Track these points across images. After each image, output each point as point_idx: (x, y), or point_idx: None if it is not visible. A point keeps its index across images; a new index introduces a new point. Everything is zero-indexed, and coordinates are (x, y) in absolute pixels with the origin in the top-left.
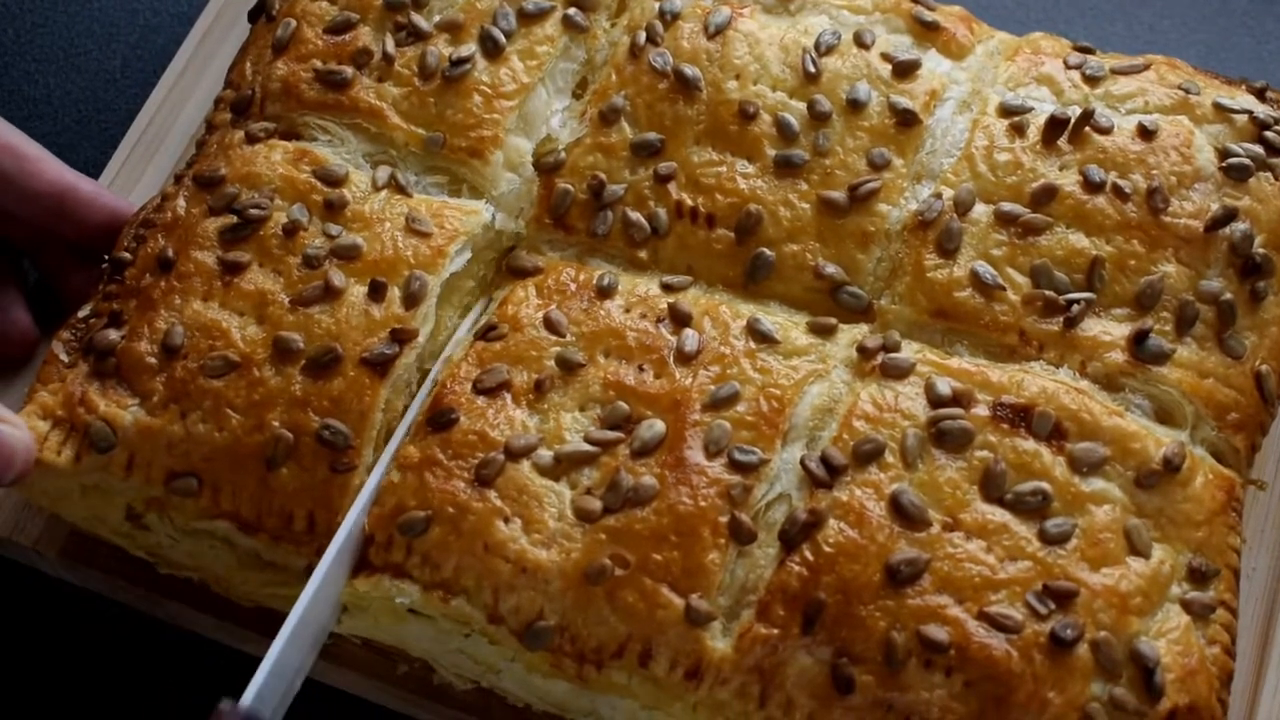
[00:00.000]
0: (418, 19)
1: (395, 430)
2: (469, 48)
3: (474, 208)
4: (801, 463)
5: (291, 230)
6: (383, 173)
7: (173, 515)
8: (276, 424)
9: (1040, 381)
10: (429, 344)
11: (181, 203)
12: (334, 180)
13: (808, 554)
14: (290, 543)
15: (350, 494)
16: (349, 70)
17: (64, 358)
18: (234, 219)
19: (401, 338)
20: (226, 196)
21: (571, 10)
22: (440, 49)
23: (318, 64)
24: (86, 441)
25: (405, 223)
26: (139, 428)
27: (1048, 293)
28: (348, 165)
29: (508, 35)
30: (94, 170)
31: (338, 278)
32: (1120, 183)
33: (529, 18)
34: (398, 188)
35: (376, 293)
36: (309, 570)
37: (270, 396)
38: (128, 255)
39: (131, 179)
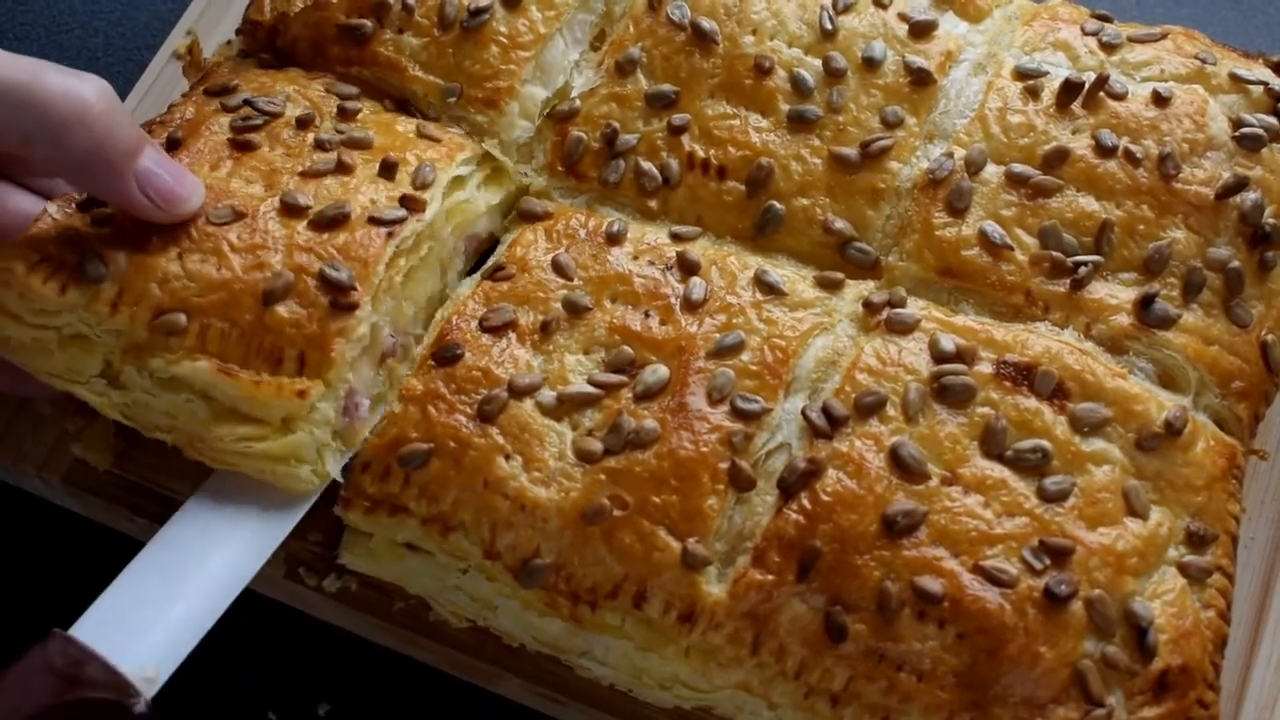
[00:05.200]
0: None
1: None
2: None
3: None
4: (803, 413)
5: (305, 122)
6: (390, 103)
7: (152, 364)
8: (278, 264)
9: (1044, 341)
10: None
11: (190, 109)
12: (346, 95)
13: (806, 502)
14: (273, 381)
15: (347, 333)
16: (369, 23)
17: (57, 215)
18: (248, 110)
19: (411, 205)
20: (240, 97)
21: None
22: None
23: (340, 17)
24: (76, 273)
25: (417, 129)
26: (133, 263)
27: (1055, 254)
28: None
29: None
30: None
31: (348, 157)
32: (1132, 148)
33: None
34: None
35: (387, 171)
36: (286, 422)
37: (273, 242)
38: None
39: None
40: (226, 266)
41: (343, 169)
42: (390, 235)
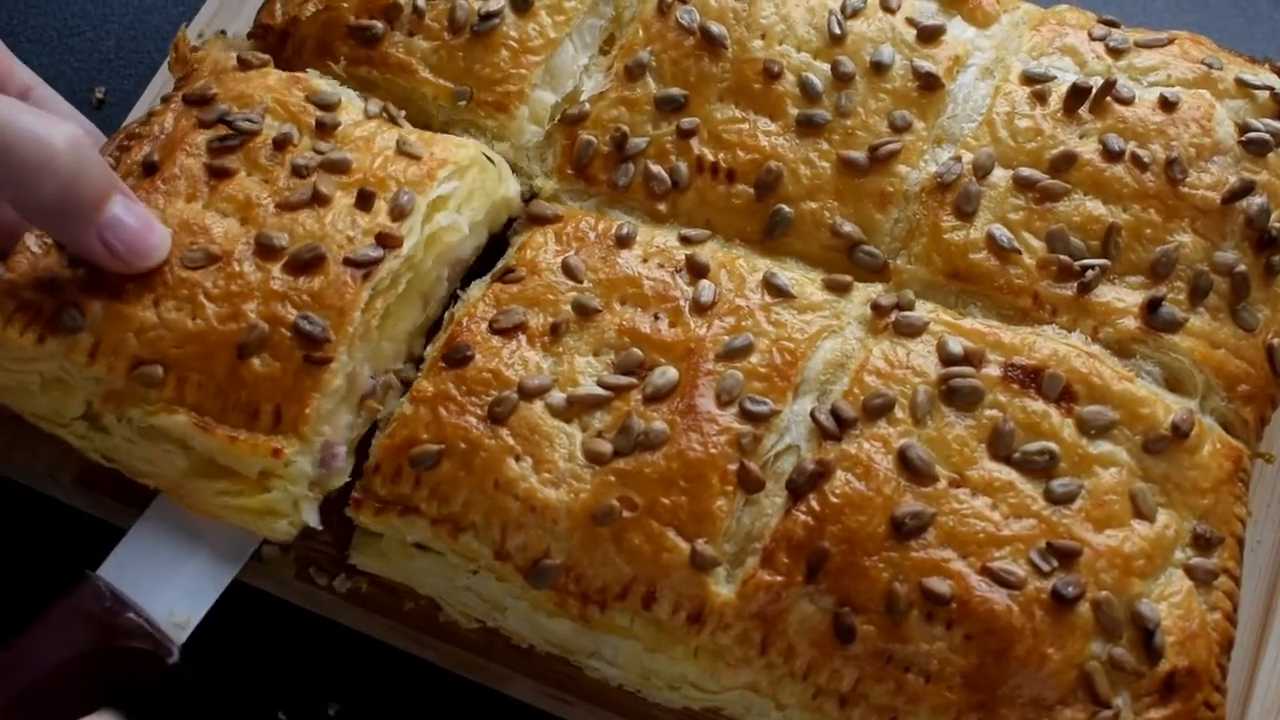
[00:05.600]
0: None
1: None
2: (498, 2)
3: (465, 142)
4: (812, 415)
5: (281, 143)
6: (374, 104)
7: (131, 413)
8: (253, 314)
9: (1052, 344)
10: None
11: (170, 118)
12: (326, 105)
13: (814, 504)
14: (249, 439)
15: (322, 388)
16: (379, 25)
17: (35, 249)
18: (224, 129)
19: (387, 243)
20: (217, 111)
21: None
22: (470, 3)
23: (350, 19)
24: (53, 323)
25: (396, 145)
26: (109, 312)
27: (1063, 258)
28: (340, 94)
29: None
30: None
31: (326, 184)
32: (1139, 152)
33: None
34: (389, 118)
35: (364, 202)
36: (264, 477)
37: (248, 289)
38: (111, 161)
39: None
40: (202, 316)
41: (319, 200)
42: (366, 277)
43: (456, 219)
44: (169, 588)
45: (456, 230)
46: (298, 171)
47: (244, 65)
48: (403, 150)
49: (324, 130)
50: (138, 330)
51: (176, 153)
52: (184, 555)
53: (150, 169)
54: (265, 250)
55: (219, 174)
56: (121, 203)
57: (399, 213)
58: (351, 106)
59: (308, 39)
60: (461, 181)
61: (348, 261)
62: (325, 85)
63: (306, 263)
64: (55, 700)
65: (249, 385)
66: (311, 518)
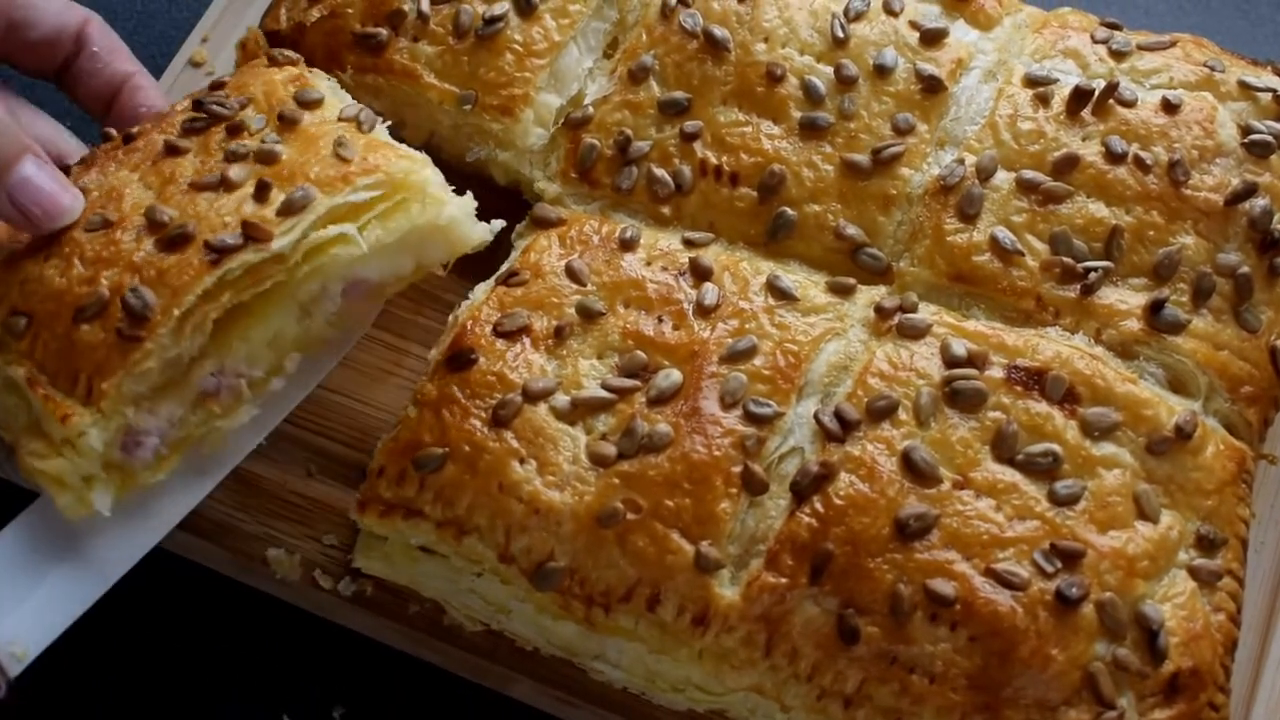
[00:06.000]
0: None
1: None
2: (502, 6)
3: (411, 155)
4: (815, 417)
5: (235, 130)
6: (351, 109)
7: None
8: (105, 282)
9: (1055, 346)
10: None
11: (185, 100)
12: (307, 103)
13: (818, 506)
14: (55, 401)
15: (129, 367)
16: (384, 32)
17: None
18: (196, 113)
19: (253, 234)
20: (213, 98)
21: None
22: (474, 7)
23: (356, 26)
24: None
25: (334, 146)
26: (7, 259)
27: (1066, 260)
28: (331, 95)
29: None
30: None
31: (237, 172)
32: (1142, 154)
33: None
34: (357, 123)
35: (261, 192)
36: (64, 444)
37: (115, 257)
38: (113, 131)
39: None
40: (67, 276)
41: (225, 185)
42: (215, 264)
43: (349, 231)
44: (9, 615)
45: (349, 243)
46: (231, 156)
47: (271, 63)
48: (337, 151)
49: (284, 123)
50: (22, 281)
51: (154, 129)
52: (30, 585)
53: (128, 139)
54: (152, 224)
55: (170, 151)
56: (32, 164)
57: (289, 209)
58: (331, 107)
59: (315, 47)
60: (383, 194)
61: (207, 245)
62: (323, 85)
63: (173, 240)
64: None
65: (77, 350)
66: (100, 501)
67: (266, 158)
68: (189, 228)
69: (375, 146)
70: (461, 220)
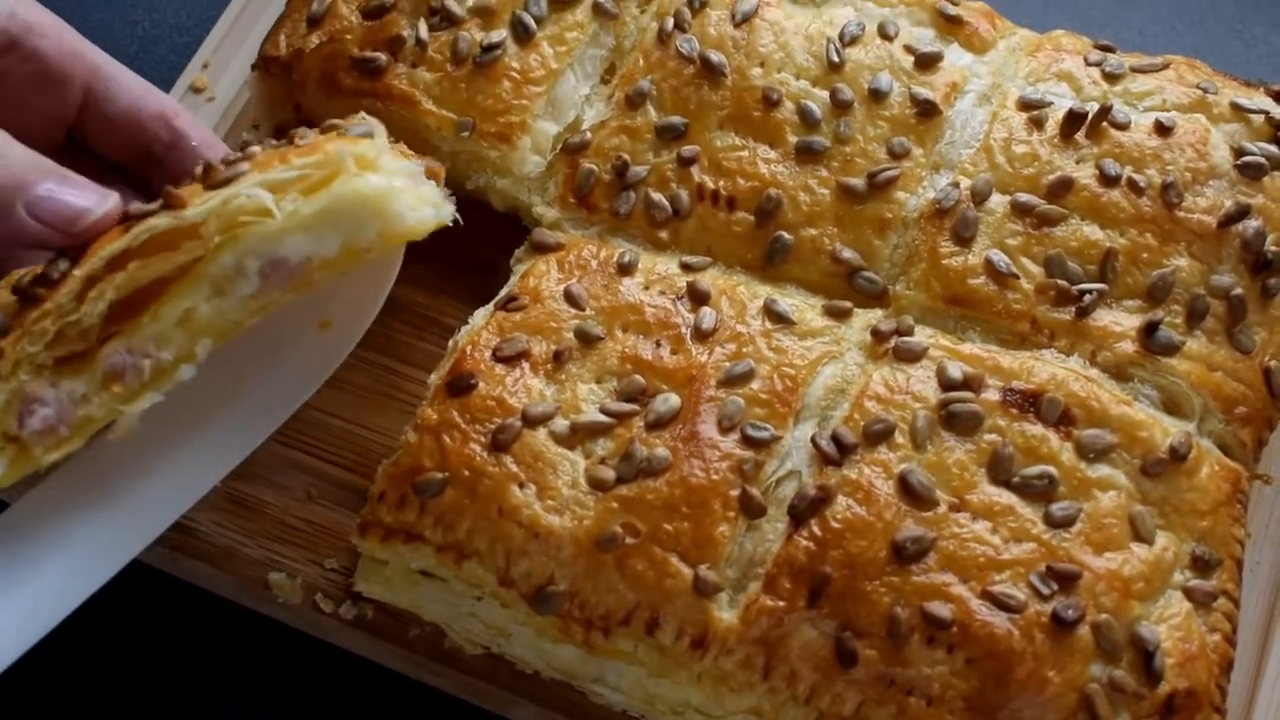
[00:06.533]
0: (450, 4)
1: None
2: (500, 33)
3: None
4: (813, 440)
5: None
6: (359, 128)
7: None
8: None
9: (1050, 368)
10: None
11: None
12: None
13: (816, 529)
14: None
15: (28, 324)
16: (383, 57)
17: None
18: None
19: (169, 200)
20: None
21: None
22: (472, 34)
23: (354, 51)
24: None
25: (297, 139)
26: None
27: (1061, 282)
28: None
29: (538, 21)
30: None
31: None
32: (1135, 177)
33: (560, 3)
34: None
35: (206, 174)
36: None
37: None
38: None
39: None
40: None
41: (206, 174)
42: (126, 230)
43: (260, 196)
44: None
45: (262, 211)
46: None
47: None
48: (295, 141)
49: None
50: None
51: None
52: None
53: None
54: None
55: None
56: (50, 184)
57: (216, 183)
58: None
59: (312, 71)
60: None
61: (125, 213)
62: (361, 122)
63: (123, 215)
64: None
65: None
66: None
67: (249, 156)
68: (133, 205)
69: (337, 139)
70: (392, 195)
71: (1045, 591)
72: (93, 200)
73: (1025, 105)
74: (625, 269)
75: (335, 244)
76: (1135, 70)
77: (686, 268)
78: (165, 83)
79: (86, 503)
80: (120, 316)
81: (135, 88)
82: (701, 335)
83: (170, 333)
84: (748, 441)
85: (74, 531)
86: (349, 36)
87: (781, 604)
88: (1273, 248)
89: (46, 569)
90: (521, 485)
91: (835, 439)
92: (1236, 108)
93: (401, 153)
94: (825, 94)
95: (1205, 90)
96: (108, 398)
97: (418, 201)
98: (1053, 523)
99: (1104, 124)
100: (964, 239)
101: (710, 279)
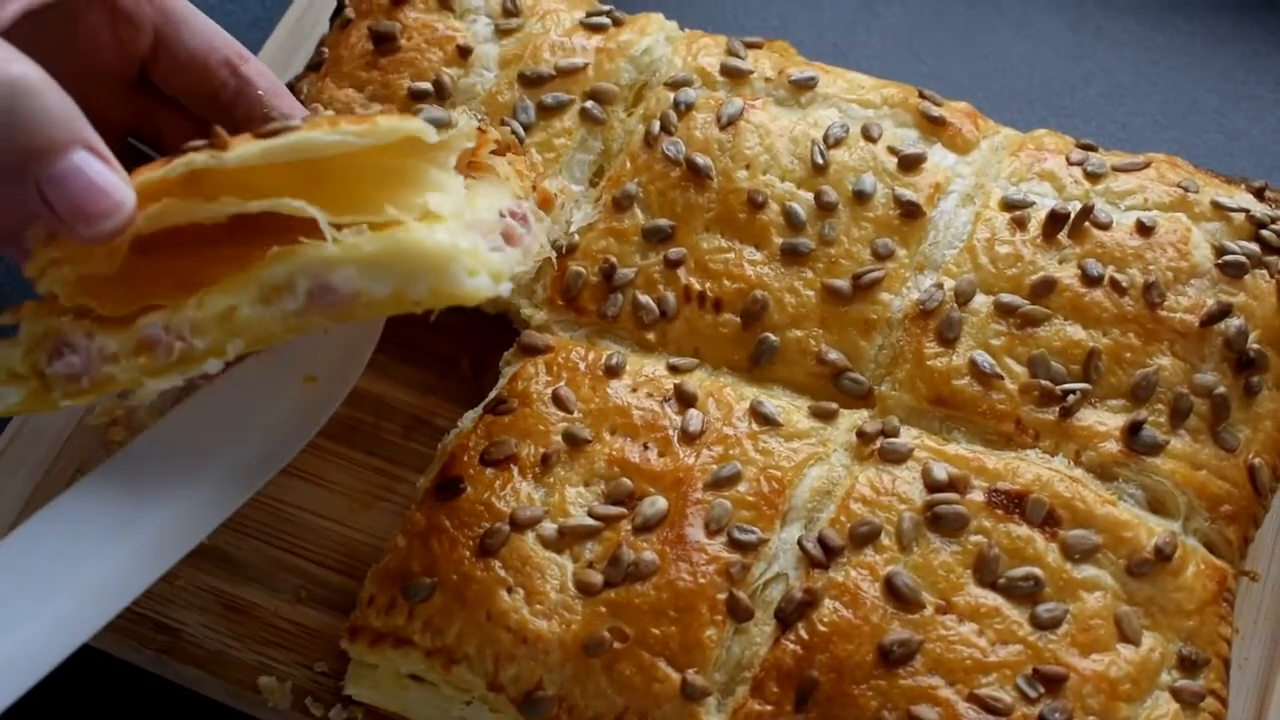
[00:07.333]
0: None
1: None
2: None
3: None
4: (799, 543)
5: None
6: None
7: None
8: None
9: (1035, 469)
10: None
11: None
12: None
13: (803, 632)
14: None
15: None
16: None
17: None
18: None
19: (214, 142)
20: None
21: (589, 103)
22: None
23: None
24: None
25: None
26: None
27: (1045, 383)
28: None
29: (527, 128)
30: None
31: None
32: (1118, 277)
33: (548, 110)
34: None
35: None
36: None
37: None
38: None
39: None
40: None
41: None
42: (167, 161)
43: (307, 212)
44: None
45: (319, 242)
46: None
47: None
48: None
49: None
50: None
51: None
52: None
53: None
54: None
55: None
56: (83, 155)
57: (263, 134)
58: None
59: None
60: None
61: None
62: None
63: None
64: None
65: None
66: (3, 395)
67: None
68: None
69: (394, 114)
70: (454, 256)
71: (1032, 695)
72: (119, 199)
73: (1008, 205)
74: (613, 371)
75: (387, 288)
76: (1117, 169)
77: (674, 369)
78: None
79: (64, 562)
80: (166, 290)
81: (204, 30)
82: (689, 437)
83: (209, 323)
84: (735, 544)
85: (57, 584)
86: None
87: (769, 708)
88: (1255, 346)
89: (15, 634)
90: (510, 590)
91: (822, 541)
92: (1217, 206)
93: (511, 166)
94: (810, 195)
95: (1186, 189)
96: (133, 365)
97: (478, 267)
98: (1039, 624)
99: (1086, 224)
100: (948, 340)
101: (697, 381)
